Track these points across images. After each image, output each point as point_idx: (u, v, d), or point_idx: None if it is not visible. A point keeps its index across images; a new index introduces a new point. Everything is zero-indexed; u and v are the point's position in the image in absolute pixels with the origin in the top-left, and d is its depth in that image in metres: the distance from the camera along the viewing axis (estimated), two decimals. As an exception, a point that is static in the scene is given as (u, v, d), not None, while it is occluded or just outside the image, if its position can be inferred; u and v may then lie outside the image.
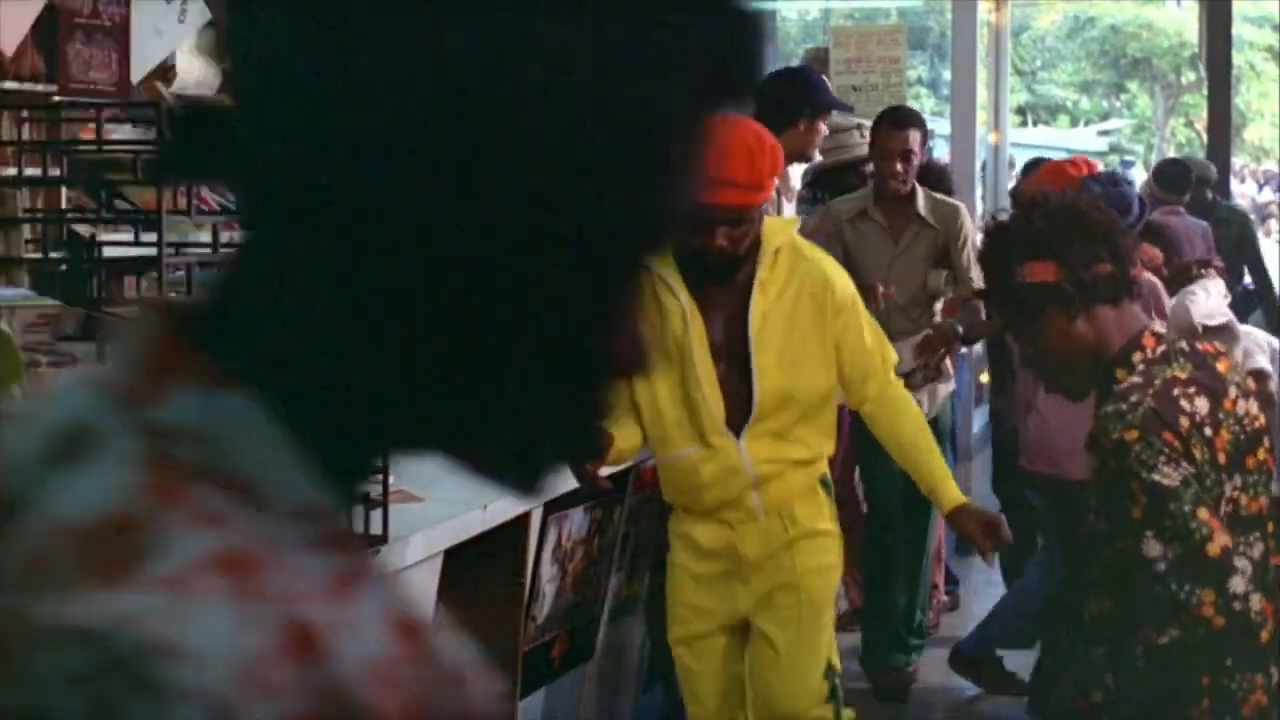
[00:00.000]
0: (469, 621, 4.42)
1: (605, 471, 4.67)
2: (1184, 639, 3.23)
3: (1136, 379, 3.31)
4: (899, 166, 6.95)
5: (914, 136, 6.96)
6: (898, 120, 7.04)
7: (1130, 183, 8.41)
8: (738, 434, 4.58)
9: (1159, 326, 3.50)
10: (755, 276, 4.54)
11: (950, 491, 4.64)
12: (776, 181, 4.50)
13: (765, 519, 4.64)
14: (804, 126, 6.61)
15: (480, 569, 4.78)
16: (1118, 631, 3.33)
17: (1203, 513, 3.19)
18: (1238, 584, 3.19)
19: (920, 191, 7.06)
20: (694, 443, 4.60)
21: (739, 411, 4.58)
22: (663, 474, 4.82)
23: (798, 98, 6.60)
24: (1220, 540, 3.20)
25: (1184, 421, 3.24)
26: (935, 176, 7.95)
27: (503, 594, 4.96)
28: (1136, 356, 3.35)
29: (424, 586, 4.45)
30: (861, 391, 4.72)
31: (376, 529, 4.09)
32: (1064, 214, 3.41)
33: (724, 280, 4.53)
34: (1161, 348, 3.38)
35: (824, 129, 6.91)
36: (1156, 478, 3.19)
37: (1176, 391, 3.27)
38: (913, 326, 6.90)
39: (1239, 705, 3.25)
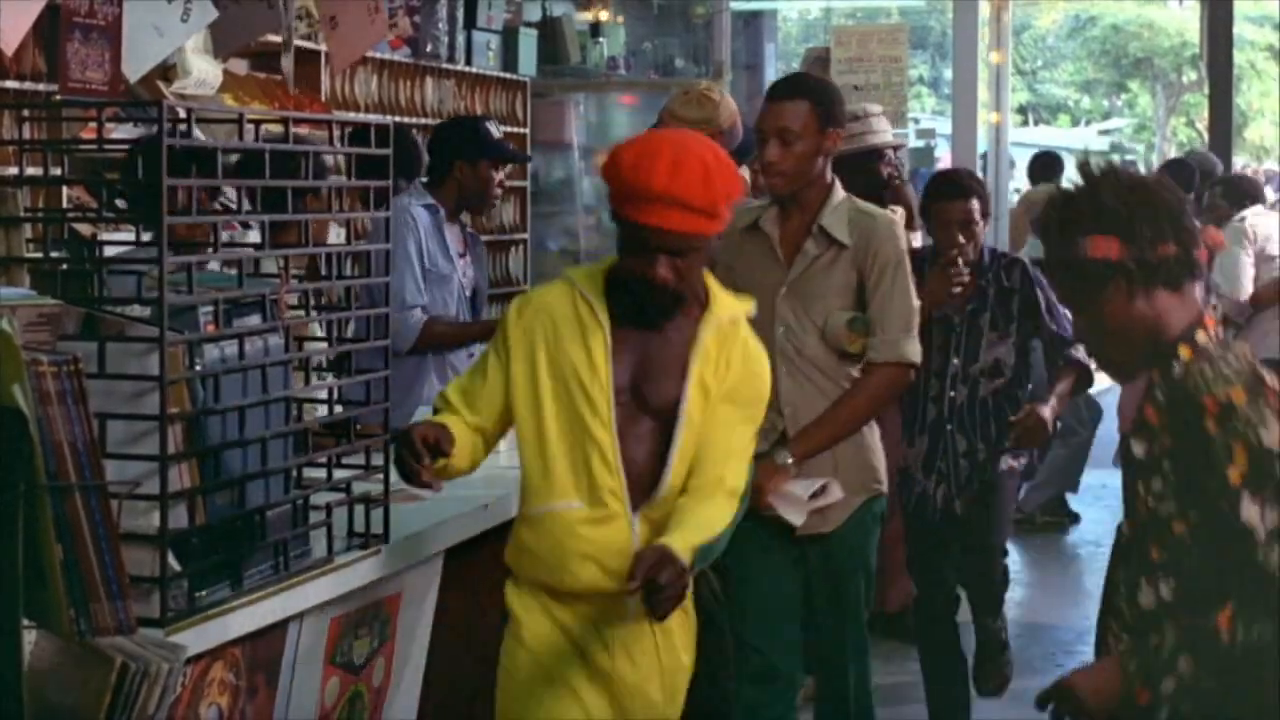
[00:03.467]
0: (471, 622, 4.42)
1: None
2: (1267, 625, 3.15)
3: (1214, 346, 3.26)
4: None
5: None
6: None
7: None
8: (634, 507, 3.84)
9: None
10: (698, 339, 3.87)
11: (673, 537, 3.71)
12: (730, 212, 3.84)
13: (634, 623, 3.88)
14: None
15: (480, 569, 4.77)
16: (1186, 614, 3.23)
17: None
18: None
19: (835, 195, 5.08)
20: (577, 497, 3.86)
21: (637, 481, 3.85)
22: (523, 533, 3.98)
23: None
24: None
25: (1275, 384, 3.20)
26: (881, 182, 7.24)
27: (503, 594, 4.94)
28: (1200, 336, 3.29)
29: (424, 586, 4.45)
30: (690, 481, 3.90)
31: (377, 529, 4.09)
32: (1133, 191, 3.30)
33: (653, 325, 3.87)
34: (1221, 330, 3.33)
35: None
36: (1264, 438, 3.12)
37: (1254, 361, 3.24)
38: (816, 393, 4.95)
39: None
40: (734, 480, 3.92)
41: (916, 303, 5.07)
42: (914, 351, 5.01)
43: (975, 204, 6.01)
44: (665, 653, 3.96)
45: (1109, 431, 7.82)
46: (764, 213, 5.09)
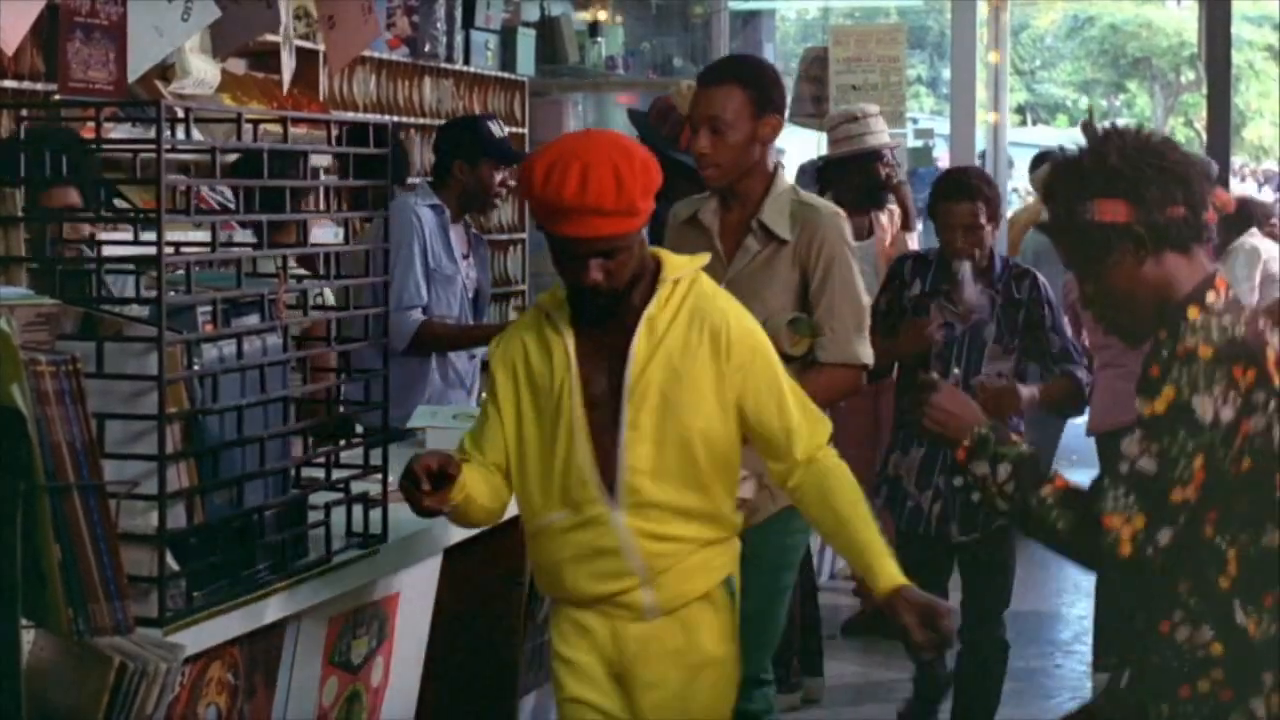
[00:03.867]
0: (469, 621, 4.41)
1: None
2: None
3: (1223, 304, 3.22)
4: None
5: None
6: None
7: None
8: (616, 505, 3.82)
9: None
10: (645, 310, 3.84)
11: (888, 569, 3.80)
12: (651, 202, 3.78)
13: (658, 620, 3.87)
14: None
15: (480, 569, 4.77)
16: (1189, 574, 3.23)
17: (1198, 460, 3.10)
18: (1165, 535, 3.11)
19: (778, 186, 4.84)
20: (562, 508, 3.84)
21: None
22: (532, 557, 4.03)
23: None
24: (1185, 494, 3.11)
25: (1270, 354, 3.15)
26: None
27: (503, 594, 4.95)
28: (1210, 296, 3.24)
29: (424, 586, 4.45)
30: (780, 465, 3.92)
31: (376, 529, 4.09)
32: (1141, 152, 3.26)
33: (609, 319, 3.83)
34: (1233, 292, 3.29)
35: None
36: (1193, 402, 3.10)
37: (1263, 323, 3.19)
38: None
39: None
40: (822, 430, 3.96)
41: (866, 299, 4.87)
42: (866, 353, 4.79)
43: (981, 206, 5.80)
44: (690, 650, 3.90)
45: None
46: (704, 204, 4.89)
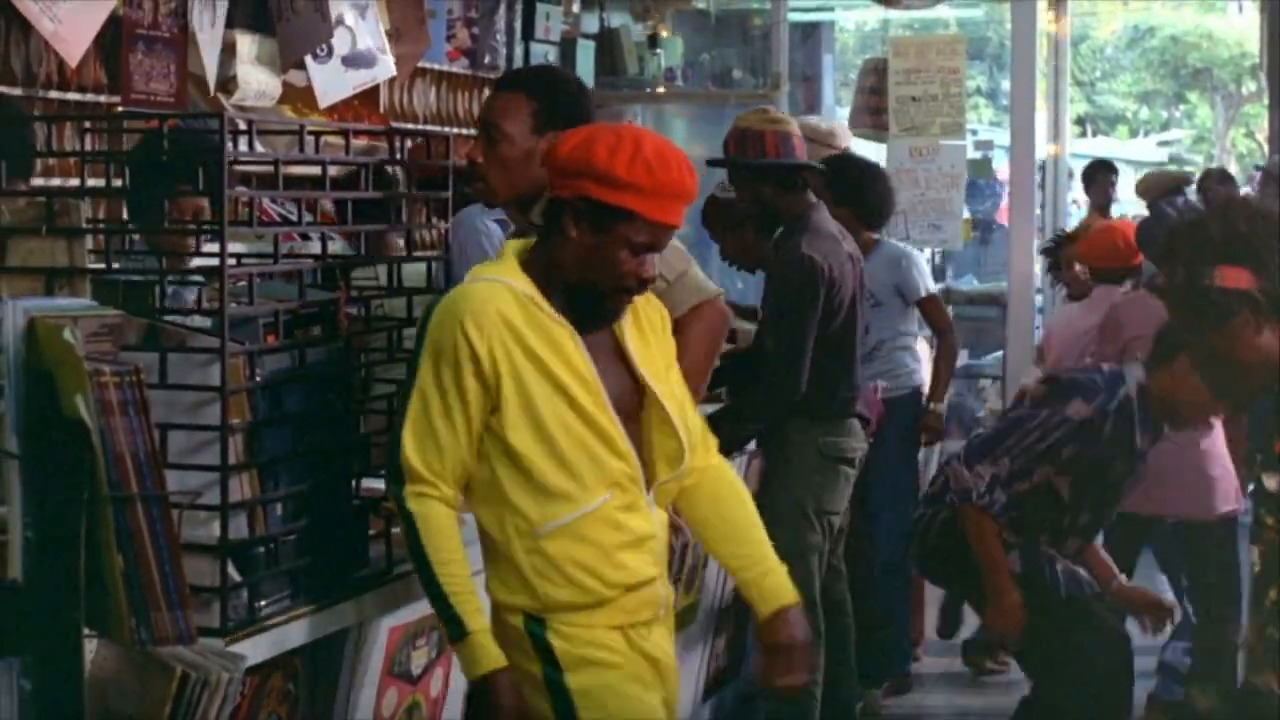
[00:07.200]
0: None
1: None
2: None
3: None
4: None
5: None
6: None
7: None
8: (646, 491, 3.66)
9: None
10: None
11: (787, 586, 3.73)
12: None
13: (665, 611, 3.73)
14: None
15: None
16: None
17: None
18: None
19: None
20: (608, 489, 3.57)
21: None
22: (552, 549, 3.59)
23: None
24: None
25: None
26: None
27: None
28: None
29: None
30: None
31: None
32: (1265, 221, 3.28)
33: (611, 323, 3.62)
34: None
35: None
36: None
37: None
38: None
39: None
40: (714, 439, 3.88)
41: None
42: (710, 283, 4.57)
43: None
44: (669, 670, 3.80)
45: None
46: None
